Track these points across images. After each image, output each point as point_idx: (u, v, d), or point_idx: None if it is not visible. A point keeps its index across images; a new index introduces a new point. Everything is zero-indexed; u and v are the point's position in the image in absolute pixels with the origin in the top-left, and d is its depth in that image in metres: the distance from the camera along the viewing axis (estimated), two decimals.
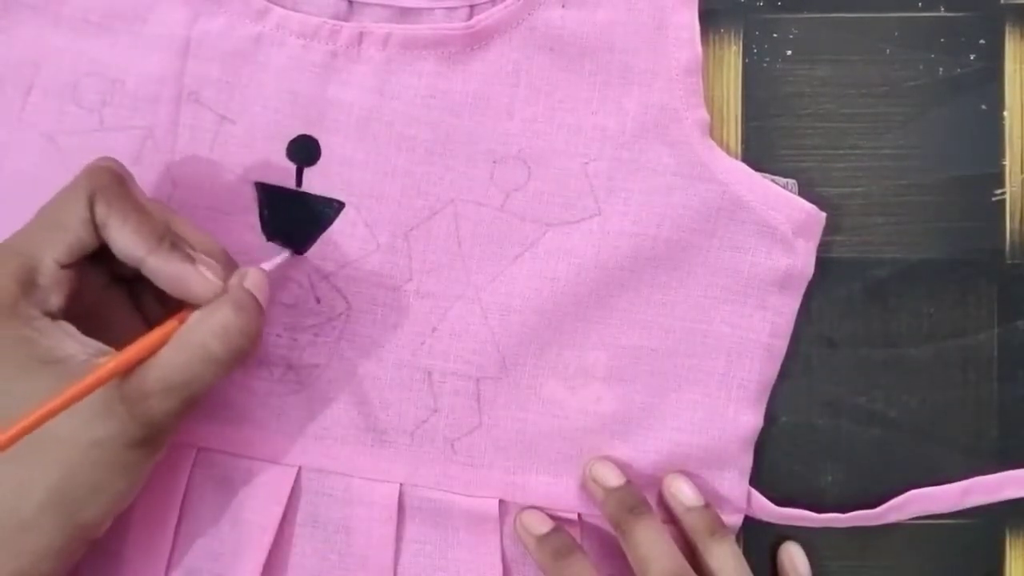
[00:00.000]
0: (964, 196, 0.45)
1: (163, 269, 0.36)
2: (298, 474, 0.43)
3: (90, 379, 0.33)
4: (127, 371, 0.35)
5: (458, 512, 0.43)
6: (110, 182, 0.36)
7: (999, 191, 0.45)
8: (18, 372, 0.34)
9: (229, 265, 0.38)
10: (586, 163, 0.42)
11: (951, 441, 0.45)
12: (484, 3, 0.42)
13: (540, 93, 0.42)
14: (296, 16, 0.42)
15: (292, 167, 0.42)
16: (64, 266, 0.35)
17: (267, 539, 0.42)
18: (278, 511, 0.42)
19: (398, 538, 0.43)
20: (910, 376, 0.45)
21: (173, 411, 0.35)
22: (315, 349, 0.43)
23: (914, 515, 0.44)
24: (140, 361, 0.35)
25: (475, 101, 0.42)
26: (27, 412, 0.32)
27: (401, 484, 0.43)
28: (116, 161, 0.37)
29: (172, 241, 0.36)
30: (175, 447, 0.42)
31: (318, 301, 0.43)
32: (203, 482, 0.43)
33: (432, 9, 0.42)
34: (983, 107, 0.45)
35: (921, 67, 0.45)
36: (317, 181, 0.42)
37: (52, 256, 0.35)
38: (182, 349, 0.35)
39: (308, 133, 0.42)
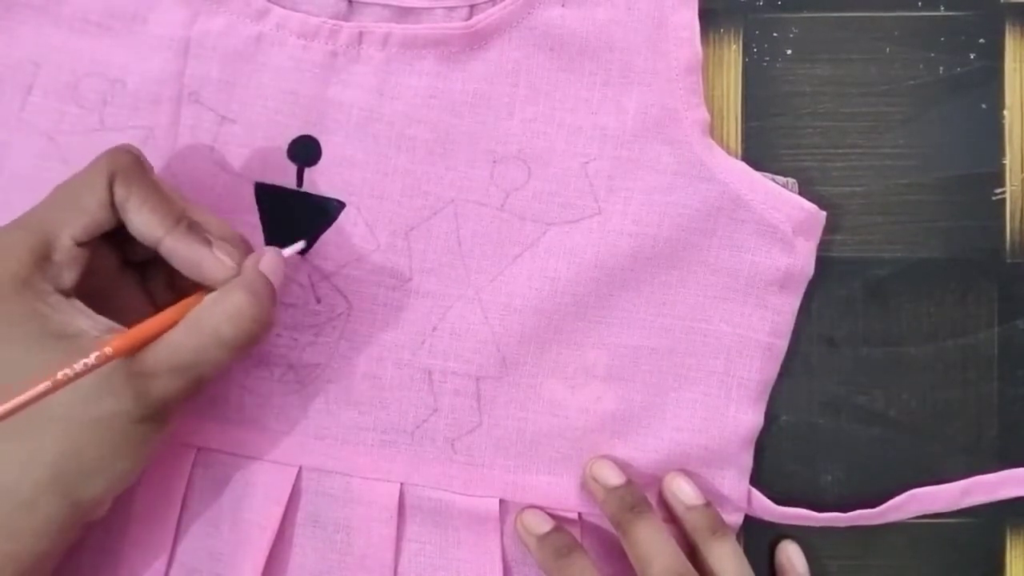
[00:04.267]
0: (964, 195, 0.45)
1: (180, 250, 0.36)
2: (298, 474, 0.43)
3: (98, 355, 0.33)
4: (136, 350, 0.35)
5: (458, 512, 0.43)
6: (130, 164, 0.36)
7: (999, 190, 0.45)
8: (30, 345, 0.34)
9: (245, 250, 0.38)
10: (586, 162, 0.42)
11: (951, 441, 0.45)
12: (484, 3, 0.42)
13: (540, 93, 0.42)
14: (296, 16, 0.42)
15: (292, 167, 0.42)
16: (79, 244, 0.36)
17: (267, 539, 0.42)
18: (278, 511, 0.42)
19: (398, 538, 0.43)
20: (910, 376, 0.45)
21: (179, 391, 0.35)
22: (315, 349, 0.43)
23: (914, 514, 0.44)
24: (149, 340, 0.35)
25: (475, 101, 0.42)
26: (28, 385, 0.32)
27: (401, 484, 0.43)
28: (136, 148, 0.38)
29: (189, 223, 0.37)
30: (175, 447, 0.42)
31: (318, 301, 0.43)
32: (203, 482, 0.43)
33: (432, 9, 0.42)
34: (983, 106, 0.45)
35: (921, 66, 0.45)
36: (318, 181, 0.42)
37: (69, 234, 0.36)
38: (193, 331, 0.35)
39: (308, 133, 0.42)
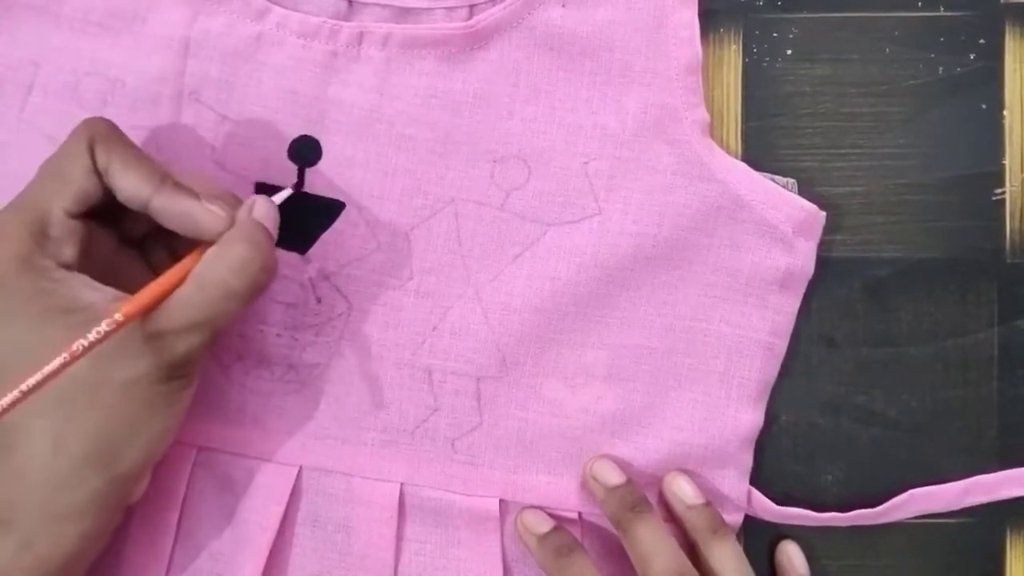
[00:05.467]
0: (964, 195, 0.45)
1: (169, 207, 0.36)
2: (298, 474, 0.43)
3: (109, 322, 0.33)
4: (146, 312, 0.35)
5: (458, 511, 0.43)
6: (107, 130, 0.37)
7: (999, 190, 0.45)
8: (39, 323, 0.34)
9: (235, 204, 0.38)
10: (586, 162, 0.42)
11: (951, 441, 0.45)
12: (484, 3, 0.42)
13: (540, 92, 0.42)
14: (296, 16, 0.42)
15: (293, 167, 0.42)
16: (73, 216, 0.36)
17: (267, 539, 0.42)
18: (278, 511, 0.42)
19: (398, 538, 0.43)
20: (910, 376, 0.45)
21: (197, 346, 0.36)
22: (316, 349, 0.43)
23: (914, 514, 0.44)
24: (158, 302, 0.35)
25: (475, 101, 0.42)
26: (45, 362, 0.32)
27: (401, 483, 0.43)
28: (110, 120, 0.38)
29: (174, 180, 0.37)
30: (175, 447, 0.42)
31: (319, 301, 0.43)
32: (203, 482, 0.43)
33: (432, 9, 0.42)
34: (983, 106, 0.45)
35: (921, 66, 0.45)
36: (318, 181, 0.42)
37: (60, 206, 0.36)
38: (203, 287, 0.35)
39: (308, 133, 0.42)
